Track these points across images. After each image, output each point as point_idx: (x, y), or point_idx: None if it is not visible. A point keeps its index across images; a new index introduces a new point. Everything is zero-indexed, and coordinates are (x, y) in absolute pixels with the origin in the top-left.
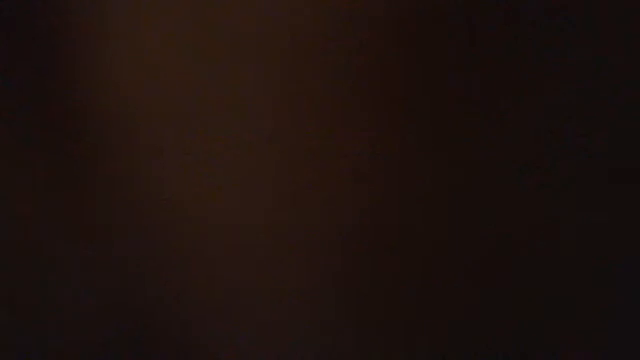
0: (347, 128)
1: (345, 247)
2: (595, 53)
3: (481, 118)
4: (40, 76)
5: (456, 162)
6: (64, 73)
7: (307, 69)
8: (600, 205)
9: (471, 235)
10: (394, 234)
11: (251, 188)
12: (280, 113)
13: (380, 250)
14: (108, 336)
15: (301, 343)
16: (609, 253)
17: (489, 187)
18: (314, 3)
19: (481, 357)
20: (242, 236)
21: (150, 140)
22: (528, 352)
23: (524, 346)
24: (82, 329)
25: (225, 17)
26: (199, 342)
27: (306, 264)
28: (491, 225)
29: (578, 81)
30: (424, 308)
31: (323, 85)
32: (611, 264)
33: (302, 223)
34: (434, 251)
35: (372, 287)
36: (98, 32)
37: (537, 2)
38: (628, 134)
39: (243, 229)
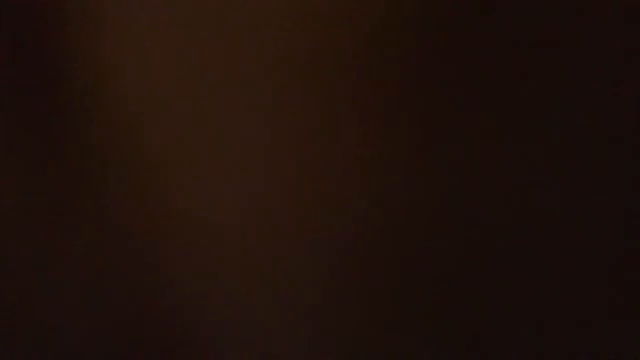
0: (347, 130)
1: (347, 248)
2: (594, 54)
3: (482, 120)
4: (42, 80)
5: (458, 163)
6: (65, 76)
7: (308, 71)
8: (598, 203)
9: (476, 236)
10: (397, 236)
11: (253, 190)
12: (281, 114)
13: (383, 251)
14: (107, 337)
15: (301, 344)
16: (608, 253)
17: (491, 187)
18: (316, 4)
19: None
20: (243, 238)
21: (151, 141)
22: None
23: (525, 346)
24: (81, 330)
25: (227, 18)
26: (198, 343)
27: (307, 265)
28: (497, 224)
29: (576, 82)
30: (429, 311)
31: (323, 87)
32: (609, 263)
33: (303, 224)
34: (439, 249)
35: (372, 288)
36: (100, 35)
37: (535, 9)
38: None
39: (245, 230)
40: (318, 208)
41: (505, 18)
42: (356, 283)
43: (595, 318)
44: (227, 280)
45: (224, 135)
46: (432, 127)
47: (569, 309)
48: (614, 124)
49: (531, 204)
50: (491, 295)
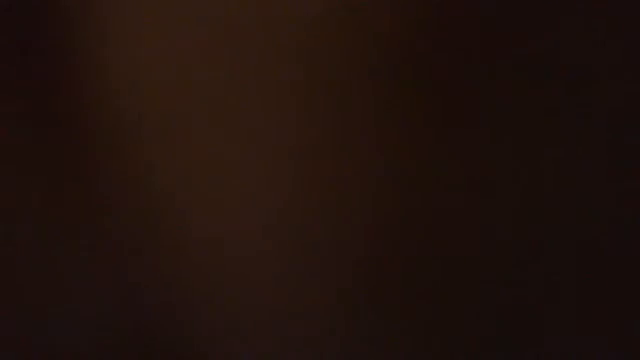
0: (349, 130)
1: (350, 250)
2: (594, 55)
3: (485, 120)
4: (43, 78)
5: (473, 164)
6: (66, 74)
7: (310, 70)
8: (597, 203)
9: (486, 236)
10: (401, 238)
11: (255, 189)
12: (283, 114)
13: (383, 253)
14: (108, 337)
15: (302, 346)
16: (608, 252)
17: (495, 185)
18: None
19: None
20: (245, 238)
21: (152, 140)
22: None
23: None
24: (82, 330)
25: (227, 18)
26: (199, 345)
27: (307, 266)
28: (508, 224)
29: (577, 81)
30: (437, 314)
31: (323, 87)
32: (609, 264)
33: (305, 224)
34: (445, 250)
35: (371, 288)
36: (101, 33)
37: (537, 16)
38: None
39: (246, 230)
40: (322, 209)
41: (516, 19)
42: (358, 285)
43: (596, 318)
44: (231, 284)
45: (230, 137)
46: (447, 130)
47: (571, 310)
48: (615, 125)
49: (544, 203)
50: (504, 297)
